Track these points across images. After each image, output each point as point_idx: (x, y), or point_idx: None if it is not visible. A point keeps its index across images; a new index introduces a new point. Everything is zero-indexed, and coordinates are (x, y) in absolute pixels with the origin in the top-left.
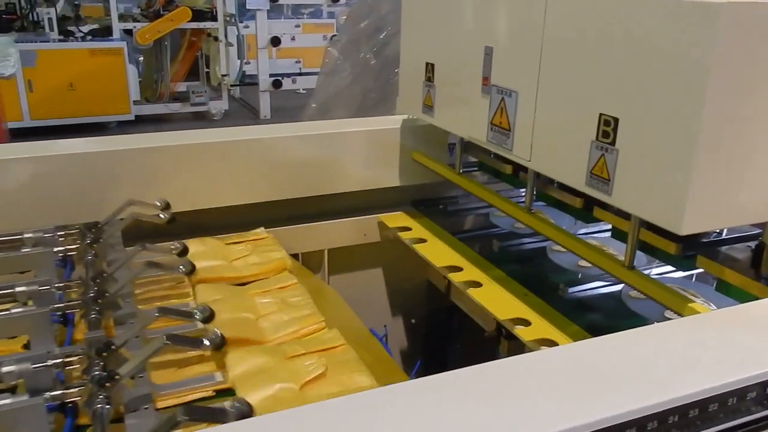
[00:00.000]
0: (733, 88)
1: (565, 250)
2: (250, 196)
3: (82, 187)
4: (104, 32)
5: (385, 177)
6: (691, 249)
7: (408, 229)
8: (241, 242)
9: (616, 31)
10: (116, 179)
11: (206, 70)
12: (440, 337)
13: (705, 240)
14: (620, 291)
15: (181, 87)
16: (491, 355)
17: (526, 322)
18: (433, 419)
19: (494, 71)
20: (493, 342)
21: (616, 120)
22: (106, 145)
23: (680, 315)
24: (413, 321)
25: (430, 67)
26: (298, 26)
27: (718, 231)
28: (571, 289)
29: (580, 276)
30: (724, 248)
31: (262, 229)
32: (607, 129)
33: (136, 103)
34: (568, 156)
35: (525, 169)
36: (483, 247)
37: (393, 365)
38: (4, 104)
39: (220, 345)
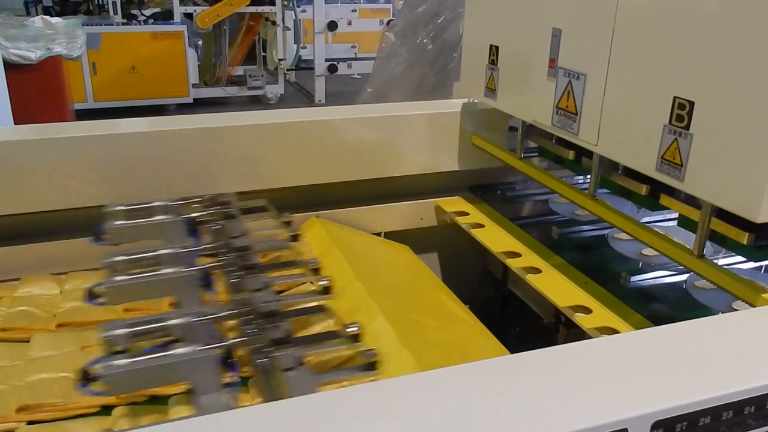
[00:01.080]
0: None
1: (627, 238)
2: (307, 178)
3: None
4: (166, 16)
5: (444, 161)
6: (763, 239)
7: (465, 214)
8: None
9: (693, 9)
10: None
11: (263, 54)
12: (496, 325)
13: None
14: (685, 281)
15: (239, 71)
16: (548, 344)
17: (587, 310)
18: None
19: (562, 53)
20: (550, 331)
21: (692, 103)
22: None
23: (752, 306)
24: (468, 308)
25: (494, 50)
26: (354, 11)
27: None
28: (634, 278)
29: (642, 265)
30: None
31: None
32: (682, 113)
33: (194, 86)
34: (638, 140)
35: (588, 154)
36: (542, 234)
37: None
38: (71, 86)
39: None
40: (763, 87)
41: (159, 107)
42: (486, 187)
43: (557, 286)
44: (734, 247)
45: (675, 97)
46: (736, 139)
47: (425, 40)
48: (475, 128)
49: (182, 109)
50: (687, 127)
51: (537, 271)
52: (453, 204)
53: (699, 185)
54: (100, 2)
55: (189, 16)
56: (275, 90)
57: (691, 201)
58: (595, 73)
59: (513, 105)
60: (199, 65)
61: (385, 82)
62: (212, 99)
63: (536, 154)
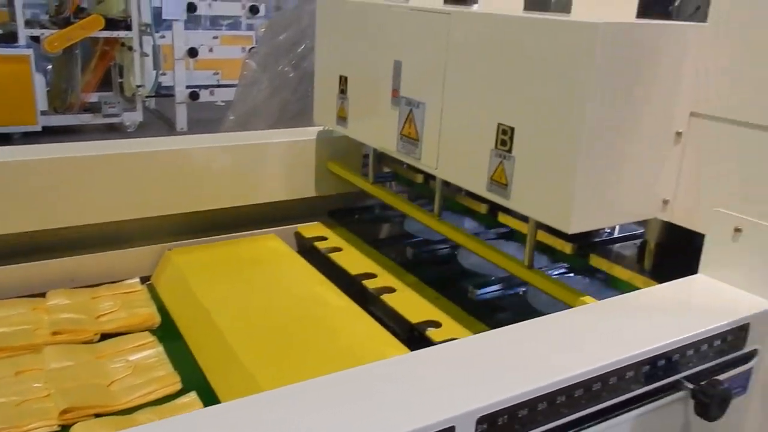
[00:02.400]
0: (610, 99)
1: (474, 254)
2: (164, 208)
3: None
4: (9, 38)
5: (302, 187)
6: (585, 248)
7: (324, 238)
8: (110, 295)
9: (510, 48)
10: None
11: (120, 80)
12: None
13: (597, 239)
14: (525, 291)
15: (93, 98)
16: None
17: (437, 324)
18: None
19: (403, 84)
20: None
21: (512, 129)
22: (41, 152)
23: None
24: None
25: (343, 80)
26: (216, 38)
27: (609, 230)
28: (480, 291)
29: (488, 278)
30: (615, 246)
31: (137, 280)
32: (505, 138)
33: (43, 113)
34: (471, 164)
35: (435, 177)
36: (398, 255)
37: None
38: None
39: None
40: (566, 114)
41: (2, 136)
42: (344, 212)
43: (410, 304)
44: (561, 257)
45: (499, 124)
46: (549, 160)
47: (287, 68)
48: (332, 155)
49: (28, 137)
50: (510, 150)
51: (392, 290)
52: (312, 229)
53: (522, 202)
54: None
55: (36, 39)
56: (133, 117)
57: (524, 217)
58: (432, 102)
59: (362, 132)
60: (48, 91)
61: (247, 110)
62: (64, 127)
63: (392, 178)
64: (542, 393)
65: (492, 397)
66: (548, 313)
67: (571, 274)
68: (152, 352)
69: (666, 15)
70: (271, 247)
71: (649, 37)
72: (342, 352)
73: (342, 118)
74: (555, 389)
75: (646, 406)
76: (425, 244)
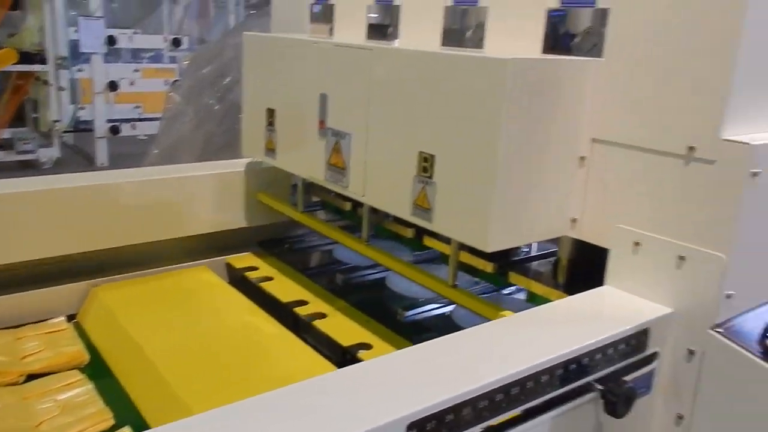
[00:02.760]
0: (521, 127)
1: (402, 277)
2: (90, 244)
3: None
4: None
5: (232, 218)
6: (505, 267)
7: (255, 268)
8: (35, 335)
9: (428, 82)
10: None
11: (34, 115)
12: None
13: (516, 258)
14: (451, 311)
15: (6, 134)
16: None
17: (368, 346)
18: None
19: (329, 115)
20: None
21: (433, 157)
22: None
23: None
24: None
25: (270, 113)
26: (137, 71)
27: (527, 249)
28: (408, 313)
29: (416, 300)
30: (533, 264)
31: (63, 318)
32: (426, 165)
33: None
34: (396, 190)
35: (362, 204)
36: (328, 281)
37: None
38: None
39: None
40: (482, 142)
41: None
42: (275, 242)
43: (342, 328)
44: (483, 276)
45: (420, 152)
46: (467, 184)
47: (211, 101)
48: (261, 186)
49: None
50: (431, 177)
51: (323, 315)
52: (243, 260)
53: (444, 225)
54: None
55: None
56: (50, 153)
57: (448, 240)
58: (357, 132)
59: (291, 163)
60: None
61: (172, 143)
62: None
63: (320, 207)
64: (466, 398)
65: (420, 404)
66: (466, 325)
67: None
68: (81, 390)
69: (567, 51)
70: (202, 279)
71: (553, 70)
72: (276, 378)
73: (270, 150)
74: (478, 394)
75: (561, 408)
76: (355, 270)
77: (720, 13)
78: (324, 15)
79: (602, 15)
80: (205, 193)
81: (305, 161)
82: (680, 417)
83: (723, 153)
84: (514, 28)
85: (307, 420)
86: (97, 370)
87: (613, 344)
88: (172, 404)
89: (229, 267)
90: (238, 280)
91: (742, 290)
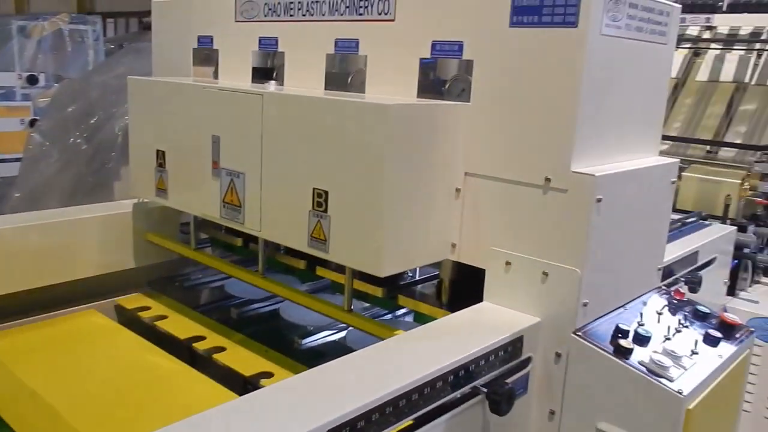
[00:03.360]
0: (404, 163)
1: (296, 307)
2: None
3: None
4: None
5: (121, 260)
6: (393, 291)
7: (148, 308)
8: None
9: (318, 124)
10: None
11: None
12: None
13: (403, 282)
14: (344, 336)
15: None
16: None
17: (269, 375)
18: None
19: (222, 156)
20: None
21: (326, 192)
22: None
23: None
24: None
25: (161, 154)
26: None
27: (411, 274)
28: (305, 341)
29: (311, 328)
30: (419, 287)
31: None
32: (320, 200)
33: None
34: (293, 224)
35: (255, 240)
36: (223, 316)
37: None
38: None
39: None
40: (371, 178)
41: None
42: (165, 281)
43: (242, 359)
44: (374, 301)
45: (314, 188)
46: (360, 216)
47: (78, 141)
48: (149, 226)
49: None
50: (326, 211)
51: (222, 349)
52: (134, 301)
53: (340, 254)
54: None
55: None
56: None
57: (339, 269)
58: (252, 171)
59: (184, 202)
60: None
61: (35, 185)
62: None
63: (209, 244)
64: (376, 405)
65: (338, 412)
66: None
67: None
68: None
69: (440, 95)
70: (93, 322)
71: (429, 114)
72: (181, 412)
73: (162, 190)
74: (384, 401)
75: (454, 410)
76: (248, 304)
77: (564, 70)
78: (208, 58)
79: (468, 65)
80: (92, 235)
81: (199, 200)
82: (552, 412)
83: (573, 183)
84: (392, 74)
85: None
86: None
87: (494, 351)
88: None
89: (120, 308)
90: (131, 321)
91: (595, 299)
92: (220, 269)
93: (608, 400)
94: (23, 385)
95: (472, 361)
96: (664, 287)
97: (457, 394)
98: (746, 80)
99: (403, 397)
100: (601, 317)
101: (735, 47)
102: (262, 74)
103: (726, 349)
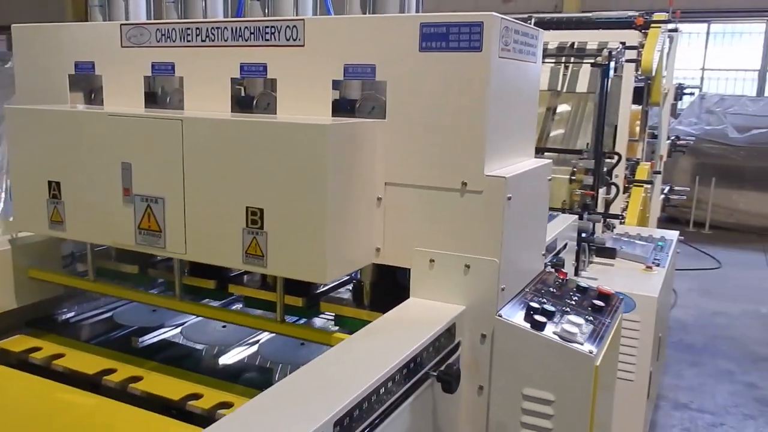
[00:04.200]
0: (338, 177)
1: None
2: None
3: None
4: None
5: (0, 301)
6: (312, 301)
7: (38, 348)
8: None
9: (249, 146)
10: None
11: None
12: None
13: (319, 291)
14: (258, 350)
15: None
16: None
17: (198, 396)
18: None
19: (135, 183)
20: None
21: (261, 210)
22: None
23: (330, 345)
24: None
25: (54, 185)
26: None
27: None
28: (221, 360)
29: (221, 347)
30: (334, 293)
31: None
32: (255, 218)
33: None
34: (223, 243)
35: (152, 266)
36: (124, 345)
37: None
38: None
39: None
40: (313, 193)
41: None
42: (46, 319)
43: (163, 385)
44: (296, 311)
45: (248, 207)
46: (300, 229)
47: None
48: (30, 262)
49: None
50: (261, 227)
51: (139, 378)
52: (18, 343)
53: (279, 267)
54: None
55: None
56: None
57: (258, 284)
58: (173, 195)
59: (87, 232)
60: None
61: None
62: None
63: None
64: (369, 391)
65: (340, 404)
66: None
67: None
68: None
69: (352, 114)
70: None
71: (354, 131)
72: None
73: (57, 222)
74: (371, 390)
75: (413, 396)
76: (148, 331)
77: (473, 88)
78: (88, 84)
79: (380, 85)
80: None
81: (107, 229)
82: (481, 388)
83: (488, 185)
84: (304, 95)
85: None
86: None
87: (435, 340)
88: None
89: (4, 352)
90: (22, 364)
91: (510, 283)
92: (129, 298)
93: (531, 368)
94: None
95: (423, 350)
96: (552, 269)
97: (414, 380)
98: (558, 88)
99: (382, 386)
100: (511, 299)
101: (545, 60)
102: (155, 99)
103: (609, 314)
